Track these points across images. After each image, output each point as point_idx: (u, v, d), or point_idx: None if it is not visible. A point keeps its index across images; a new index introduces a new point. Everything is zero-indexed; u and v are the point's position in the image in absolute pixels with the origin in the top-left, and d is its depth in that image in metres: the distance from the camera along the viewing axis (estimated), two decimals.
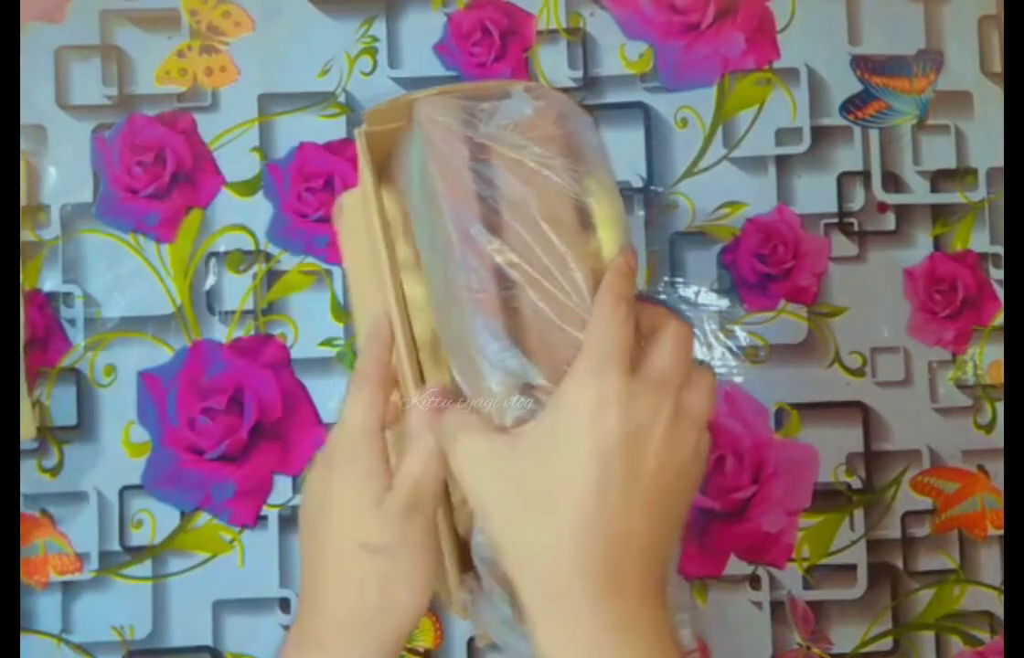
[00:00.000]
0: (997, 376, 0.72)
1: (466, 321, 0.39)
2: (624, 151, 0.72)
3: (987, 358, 0.72)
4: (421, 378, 0.45)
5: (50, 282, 0.70)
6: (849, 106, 0.73)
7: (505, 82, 0.51)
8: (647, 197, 0.72)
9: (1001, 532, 0.72)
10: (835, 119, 0.73)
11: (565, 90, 0.72)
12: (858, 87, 0.73)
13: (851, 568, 0.71)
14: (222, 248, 0.71)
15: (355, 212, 0.49)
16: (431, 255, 0.44)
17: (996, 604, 0.71)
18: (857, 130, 0.73)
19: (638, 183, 0.72)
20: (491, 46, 0.72)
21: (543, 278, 0.39)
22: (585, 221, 0.40)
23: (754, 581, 0.70)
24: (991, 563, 0.72)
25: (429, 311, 0.46)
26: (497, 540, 0.38)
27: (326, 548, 0.43)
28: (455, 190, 0.40)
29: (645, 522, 0.36)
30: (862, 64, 0.73)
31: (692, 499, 0.39)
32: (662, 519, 0.37)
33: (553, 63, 0.73)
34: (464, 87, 0.45)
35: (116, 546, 0.69)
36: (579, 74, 0.73)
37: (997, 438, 0.72)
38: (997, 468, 0.72)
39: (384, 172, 0.48)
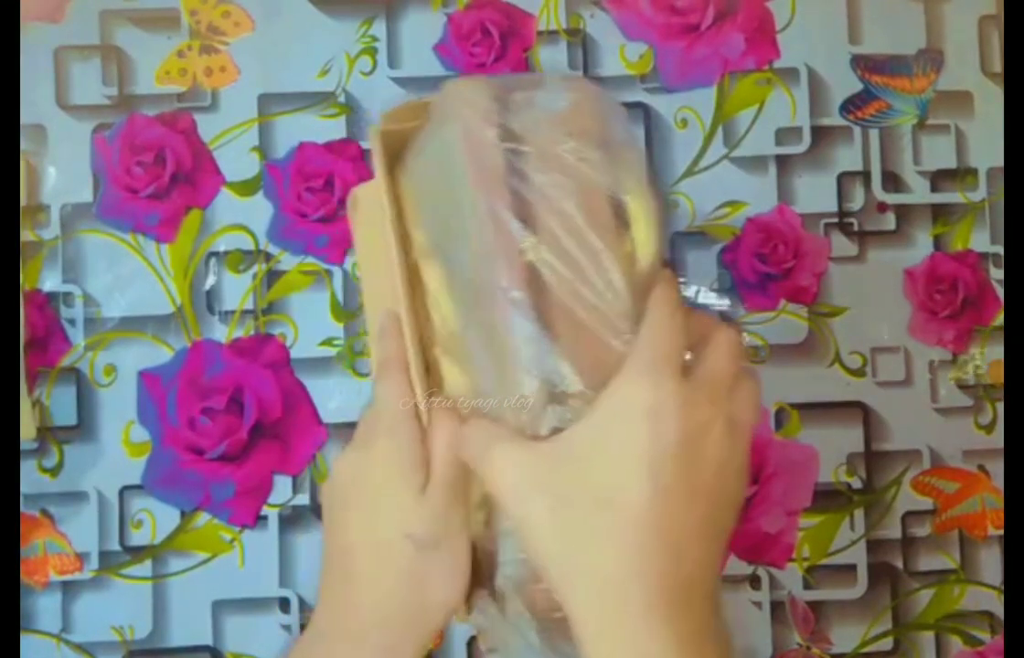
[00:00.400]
0: (998, 376, 0.73)
1: (496, 321, 0.37)
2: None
3: (988, 358, 0.73)
4: (428, 372, 0.44)
5: (50, 282, 0.70)
6: (849, 106, 0.73)
7: (537, 74, 0.50)
8: None
9: (1001, 532, 0.72)
10: (835, 119, 0.73)
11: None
12: (858, 87, 0.73)
13: (851, 568, 0.71)
14: (222, 248, 0.71)
15: (369, 204, 0.47)
16: (448, 245, 0.42)
17: (996, 604, 0.72)
18: (857, 130, 0.73)
19: None
20: (491, 46, 0.73)
21: (578, 279, 0.36)
22: (621, 218, 0.38)
23: (754, 581, 0.70)
24: (991, 563, 0.72)
25: (444, 303, 0.43)
26: (542, 557, 0.35)
27: (362, 536, 0.41)
28: (487, 180, 0.37)
29: (702, 530, 0.34)
30: (862, 63, 0.73)
31: (740, 507, 0.37)
32: (717, 528, 0.35)
33: (553, 64, 0.73)
34: (496, 78, 0.42)
35: (116, 546, 0.69)
36: (579, 75, 0.73)
37: (998, 438, 0.72)
38: (998, 468, 0.72)
39: (398, 163, 0.46)
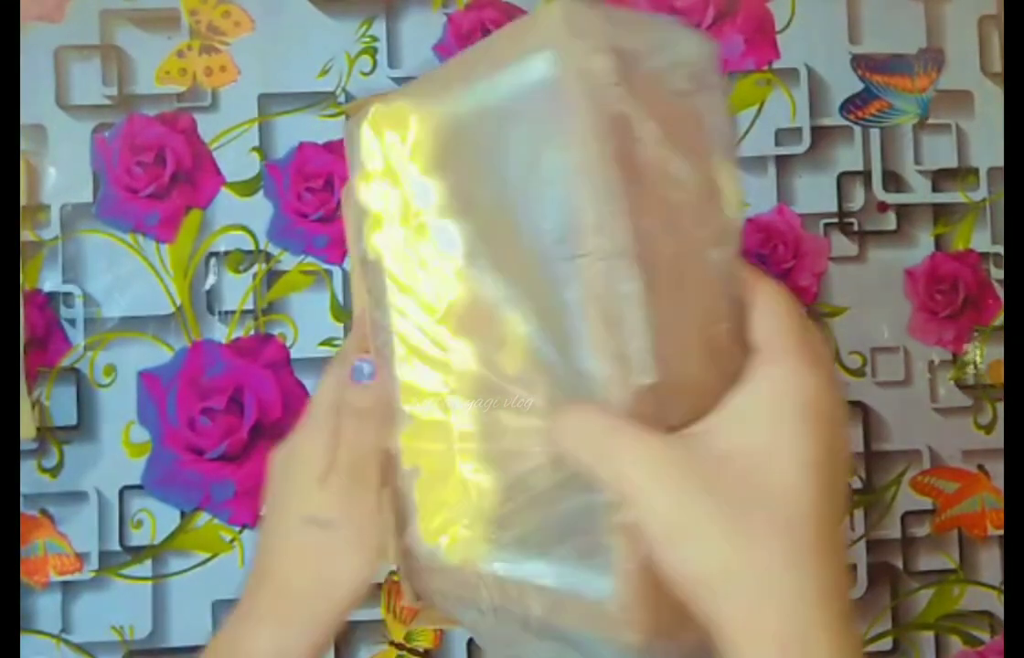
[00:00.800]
0: (998, 376, 0.73)
1: (575, 296, 0.33)
2: None
3: (988, 358, 0.73)
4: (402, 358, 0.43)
5: (50, 282, 0.70)
6: (849, 106, 0.74)
7: (644, 15, 0.44)
8: None
9: (1001, 532, 0.72)
10: (835, 119, 0.74)
11: None
12: (858, 86, 0.74)
13: (851, 568, 0.71)
14: (222, 248, 0.71)
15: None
16: (491, 205, 0.36)
17: (996, 604, 0.72)
18: (857, 130, 0.74)
19: None
20: None
21: (680, 260, 0.32)
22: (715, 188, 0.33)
23: None
24: (991, 563, 0.72)
25: (464, 269, 0.39)
26: (686, 564, 0.31)
27: (276, 521, 0.45)
28: (601, 135, 0.32)
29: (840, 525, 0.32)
30: (863, 63, 0.74)
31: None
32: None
33: None
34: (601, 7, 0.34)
35: (116, 546, 0.70)
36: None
37: (998, 438, 0.73)
38: (998, 468, 0.73)
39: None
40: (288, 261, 0.71)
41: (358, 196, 0.45)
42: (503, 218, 0.35)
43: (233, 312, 0.71)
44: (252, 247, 0.71)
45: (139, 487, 0.70)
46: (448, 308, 0.40)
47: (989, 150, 0.74)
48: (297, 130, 0.72)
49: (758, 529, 0.30)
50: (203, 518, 0.70)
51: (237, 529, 0.70)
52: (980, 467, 0.73)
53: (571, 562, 0.35)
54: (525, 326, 0.35)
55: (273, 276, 0.71)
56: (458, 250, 0.39)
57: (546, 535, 0.36)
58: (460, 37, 0.73)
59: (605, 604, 0.33)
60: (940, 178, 0.74)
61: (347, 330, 0.71)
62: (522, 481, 0.37)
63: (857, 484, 0.72)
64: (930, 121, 0.74)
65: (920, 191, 0.74)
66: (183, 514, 0.70)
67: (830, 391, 0.31)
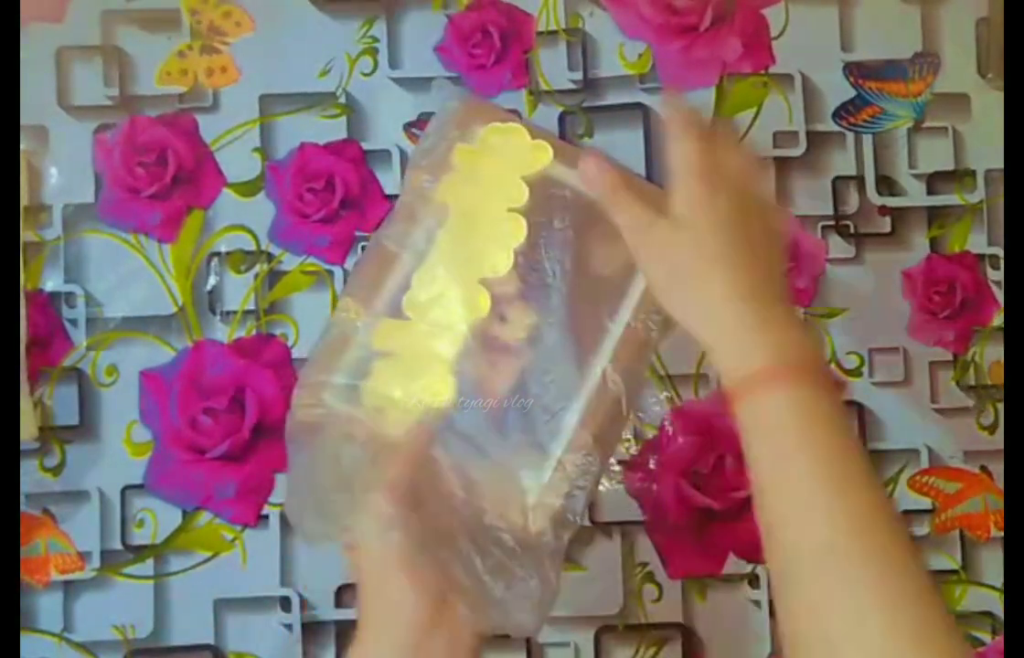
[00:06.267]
0: (999, 376, 0.76)
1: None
2: (623, 152, 0.77)
3: (988, 359, 0.77)
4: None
5: (52, 282, 0.75)
6: (841, 113, 0.78)
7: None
8: None
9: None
10: (829, 125, 0.78)
11: (564, 92, 0.77)
12: (851, 93, 0.78)
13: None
14: (223, 248, 0.76)
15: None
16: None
17: (998, 605, 0.75)
18: (850, 136, 0.78)
19: None
20: (491, 47, 0.77)
21: None
22: None
23: (753, 580, 0.75)
24: (994, 564, 0.75)
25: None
26: (674, 300, 0.51)
27: None
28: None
29: (759, 242, 0.51)
30: (855, 70, 0.78)
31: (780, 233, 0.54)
32: (769, 246, 0.52)
33: (553, 65, 0.78)
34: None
35: (118, 545, 0.74)
36: (579, 76, 0.77)
37: (1000, 439, 0.76)
38: (1001, 469, 0.76)
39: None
40: (289, 261, 0.76)
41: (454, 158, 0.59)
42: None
43: (235, 312, 0.75)
44: (253, 247, 0.76)
45: (141, 486, 0.74)
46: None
47: (986, 152, 0.77)
48: (298, 130, 0.76)
49: (699, 268, 0.50)
50: (204, 517, 0.74)
51: (238, 528, 0.74)
52: (983, 468, 0.76)
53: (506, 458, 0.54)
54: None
55: (274, 276, 0.75)
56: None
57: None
58: (460, 38, 0.77)
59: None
60: (936, 181, 0.78)
61: None
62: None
63: None
64: (927, 124, 0.78)
65: (915, 194, 0.78)
66: (184, 513, 0.74)
67: (707, 177, 0.51)
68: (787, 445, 0.46)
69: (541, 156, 0.59)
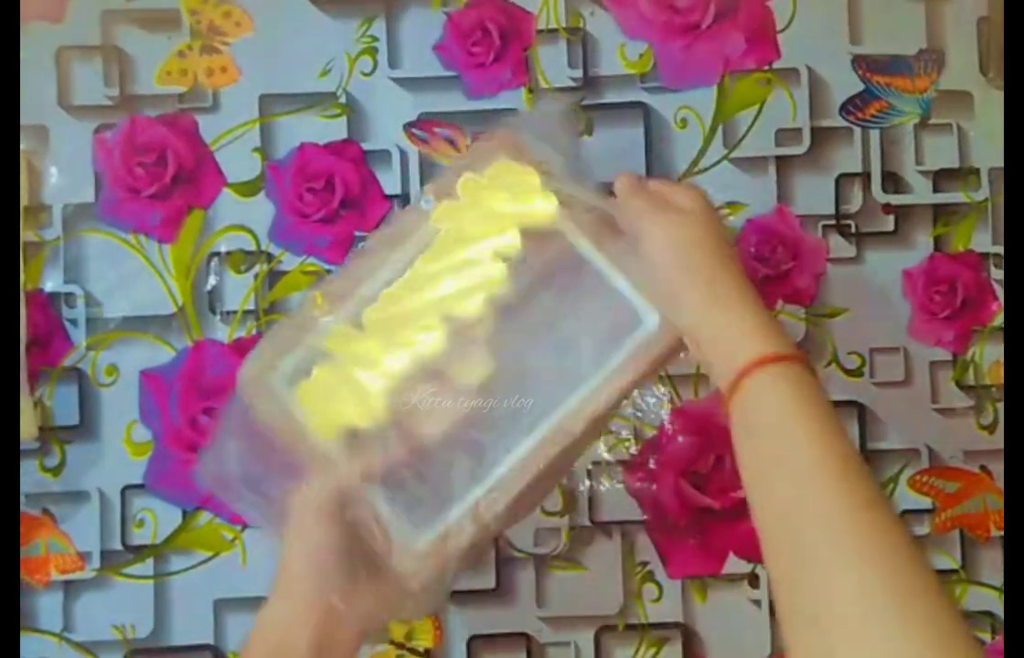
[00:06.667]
0: (998, 377, 0.77)
1: None
2: (624, 151, 0.77)
3: (988, 359, 0.77)
4: None
5: (52, 282, 0.75)
6: (849, 107, 0.78)
7: None
8: None
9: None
10: (835, 120, 0.78)
11: (564, 90, 0.77)
12: (859, 87, 0.78)
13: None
14: (224, 248, 0.76)
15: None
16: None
17: (998, 605, 0.75)
18: (857, 131, 0.78)
19: None
20: (491, 46, 0.77)
21: None
22: None
23: (753, 580, 0.75)
24: (994, 564, 0.76)
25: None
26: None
27: None
28: None
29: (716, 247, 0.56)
30: (863, 64, 0.78)
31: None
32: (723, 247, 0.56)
33: (553, 63, 0.78)
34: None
35: (118, 545, 0.74)
36: (579, 74, 0.78)
37: (1000, 439, 0.76)
38: (1001, 469, 0.76)
39: None
40: (289, 261, 0.76)
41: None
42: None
43: (235, 312, 0.75)
44: (254, 247, 0.76)
45: (141, 486, 0.75)
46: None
47: (990, 150, 0.77)
48: (298, 130, 0.76)
49: (681, 280, 0.54)
50: (204, 517, 0.74)
51: (238, 528, 0.74)
52: (983, 468, 0.76)
53: None
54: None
55: (274, 276, 0.76)
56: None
57: None
58: (460, 36, 0.77)
59: None
60: (941, 178, 0.78)
61: None
62: None
63: None
64: (931, 121, 0.78)
65: (920, 192, 0.78)
66: (185, 513, 0.75)
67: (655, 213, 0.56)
68: (789, 422, 0.48)
69: (545, 210, 0.59)
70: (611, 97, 0.78)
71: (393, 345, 0.57)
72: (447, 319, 0.57)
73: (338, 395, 0.56)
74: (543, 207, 0.59)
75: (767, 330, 0.51)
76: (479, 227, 0.59)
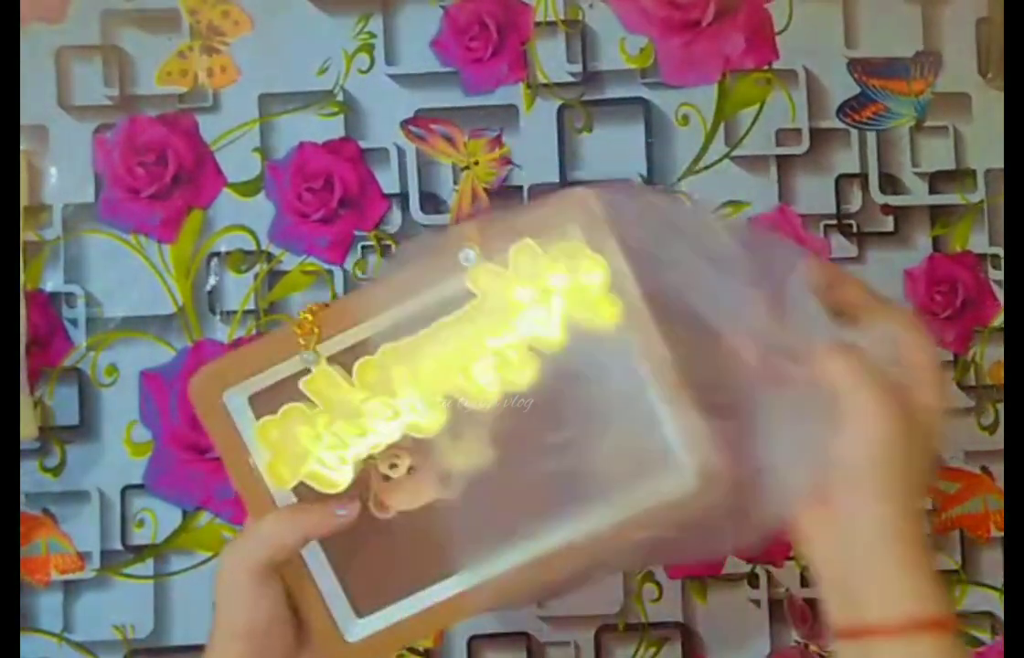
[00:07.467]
0: (998, 377, 0.77)
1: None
2: (624, 148, 0.77)
3: (989, 359, 0.77)
4: None
5: (52, 282, 0.76)
6: (846, 109, 0.78)
7: None
8: None
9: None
10: (833, 122, 0.78)
11: (563, 85, 0.78)
12: (855, 90, 0.78)
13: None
14: (223, 248, 0.76)
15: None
16: None
17: (998, 605, 0.76)
18: (854, 133, 0.78)
19: (638, 181, 0.77)
20: (488, 40, 0.77)
21: None
22: None
23: (752, 579, 0.76)
24: (994, 564, 0.76)
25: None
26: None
27: None
28: None
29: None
30: (859, 67, 0.78)
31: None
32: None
33: (551, 57, 0.78)
34: None
35: (118, 545, 0.75)
36: (578, 68, 0.78)
37: (1000, 439, 0.77)
38: (1001, 469, 0.77)
39: None
40: (289, 261, 0.76)
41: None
42: None
43: (235, 312, 0.76)
44: (254, 247, 0.76)
45: (141, 486, 0.75)
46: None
47: (987, 152, 0.78)
48: (298, 130, 0.77)
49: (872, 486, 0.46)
50: (205, 517, 0.75)
51: (239, 528, 0.75)
52: (983, 468, 0.77)
53: None
54: None
55: (274, 276, 0.76)
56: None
57: None
58: (457, 31, 0.77)
59: None
60: (937, 180, 0.78)
61: None
62: None
63: None
64: (928, 123, 0.78)
65: (917, 193, 0.78)
66: (185, 513, 0.75)
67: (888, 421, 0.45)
68: None
69: (608, 312, 0.49)
70: (611, 92, 0.78)
71: (382, 404, 0.50)
72: (452, 400, 0.49)
73: (303, 445, 0.50)
74: (606, 309, 0.49)
75: (933, 587, 0.45)
76: (521, 310, 0.49)
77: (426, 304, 0.50)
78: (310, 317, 0.51)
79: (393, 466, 0.52)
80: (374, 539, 0.52)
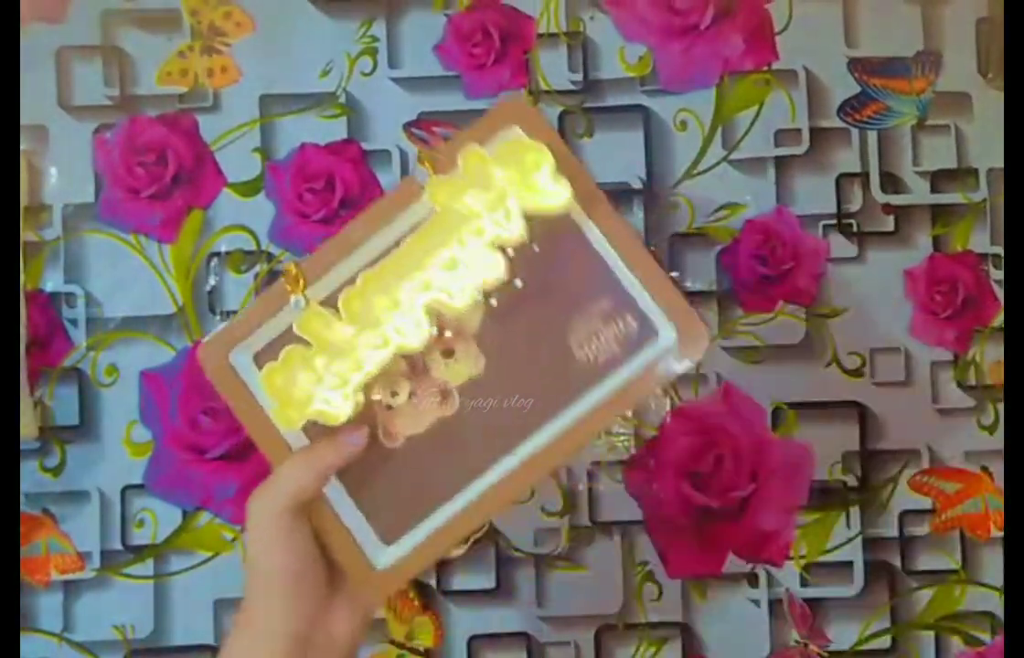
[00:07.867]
0: (999, 377, 0.77)
1: None
2: (624, 153, 0.78)
3: (989, 358, 0.77)
4: None
5: (52, 282, 0.76)
6: (846, 108, 0.78)
7: None
8: (647, 199, 0.78)
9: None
10: (833, 121, 0.78)
11: (565, 92, 0.78)
12: (855, 89, 0.78)
13: (848, 565, 0.76)
14: (223, 248, 0.76)
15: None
16: None
17: (998, 605, 0.76)
18: (855, 132, 0.78)
19: (638, 185, 0.78)
20: (491, 48, 0.78)
21: None
22: None
23: (752, 579, 0.76)
24: (994, 564, 0.76)
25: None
26: None
27: None
28: None
29: None
30: (859, 66, 0.78)
31: None
32: None
33: (553, 66, 0.78)
34: None
35: (118, 545, 0.75)
36: (579, 77, 0.78)
37: (1000, 439, 0.77)
38: (1001, 469, 0.77)
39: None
40: (289, 262, 0.76)
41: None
42: None
43: (235, 312, 0.76)
44: (254, 247, 0.76)
45: (141, 486, 0.75)
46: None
47: (988, 151, 0.78)
48: (298, 131, 0.77)
49: None
50: (205, 517, 0.75)
51: (239, 528, 0.75)
52: (984, 468, 0.77)
53: None
54: None
55: (274, 276, 0.76)
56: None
57: None
58: (460, 38, 0.78)
59: None
60: (939, 179, 0.78)
61: None
62: None
63: (853, 482, 0.76)
64: (929, 122, 0.78)
65: (918, 192, 0.78)
66: (185, 513, 0.75)
67: None
68: None
69: (559, 196, 0.52)
70: (611, 100, 0.78)
71: (371, 334, 0.52)
72: (434, 310, 0.52)
73: (305, 383, 0.52)
74: (557, 193, 0.52)
75: None
76: (479, 208, 0.52)
77: (400, 231, 0.54)
78: (293, 267, 0.54)
79: (395, 394, 0.54)
80: (390, 468, 0.55)
